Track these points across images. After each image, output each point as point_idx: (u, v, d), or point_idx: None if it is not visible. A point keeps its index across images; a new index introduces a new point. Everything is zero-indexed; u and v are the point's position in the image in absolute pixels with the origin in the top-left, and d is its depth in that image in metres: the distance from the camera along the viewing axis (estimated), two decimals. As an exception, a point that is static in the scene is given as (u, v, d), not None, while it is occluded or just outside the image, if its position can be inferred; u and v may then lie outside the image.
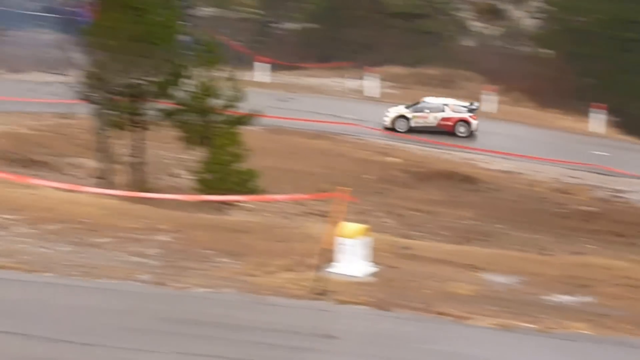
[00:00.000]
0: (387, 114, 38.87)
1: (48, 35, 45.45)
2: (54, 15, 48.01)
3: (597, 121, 44.94)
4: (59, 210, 18.89)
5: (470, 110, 39.67)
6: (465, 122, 39.21)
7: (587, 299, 15.77)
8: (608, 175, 36.82)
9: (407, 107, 39.64)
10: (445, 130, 38.84)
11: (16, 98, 34.06)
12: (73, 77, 25.84)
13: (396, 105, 40.28)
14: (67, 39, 26.55)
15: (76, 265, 15.14)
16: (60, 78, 24.96)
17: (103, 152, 26.38)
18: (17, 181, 21.38)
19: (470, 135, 39.16)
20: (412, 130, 38.65)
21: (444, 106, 39.46)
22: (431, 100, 40.09)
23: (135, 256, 15.88)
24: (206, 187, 24.78)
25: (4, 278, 14.35)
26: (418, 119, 38.73)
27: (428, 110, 39.11)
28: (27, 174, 24.13)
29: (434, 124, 38.93)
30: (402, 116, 38.67)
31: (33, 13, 49.88)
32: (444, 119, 39.03)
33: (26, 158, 27.96)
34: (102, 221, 18.16)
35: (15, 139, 29.36)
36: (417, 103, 39.91)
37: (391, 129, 38.97)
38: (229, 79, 26.52)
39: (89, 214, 18.61)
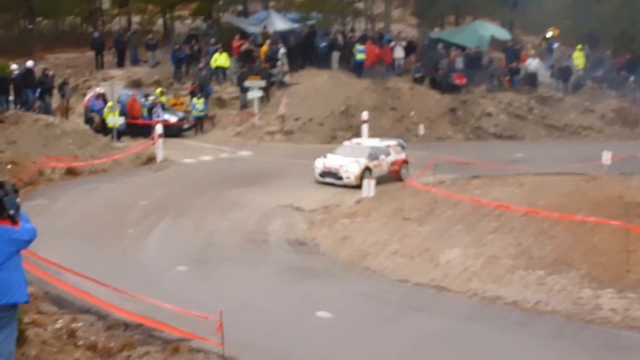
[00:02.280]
0: (347, 168, 28.87)
1: None
2: None
3: None
4: None
5: (403, 148, 31.52)
6: (406, 162, 30.83)
7: None
8: None
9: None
10: (392, 177, 29.96)
11: None
12: None
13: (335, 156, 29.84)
14: None
15: None
16: None
17: None
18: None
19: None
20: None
21: (388, 148, 30.78)
22: (371, 143, 31.25)
23: None
24: None
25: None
26: (376, 168, 29.64)
27: (383, 156, 30.22)
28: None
29: (386, 171, 30.04)
30: (367, 168, 29.13)
31: None
32: (392, 163, 30.45)
33: None
34: None
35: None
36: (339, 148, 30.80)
37: (357, 185, 28.17)
38: None
39: None
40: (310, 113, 39.49)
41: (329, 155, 29.53)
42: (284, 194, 26.40)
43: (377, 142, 31.13)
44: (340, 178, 28.73)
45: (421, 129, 40.30)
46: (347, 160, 29.15)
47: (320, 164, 29.33)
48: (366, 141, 31.80)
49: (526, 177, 29.94)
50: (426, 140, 39.79)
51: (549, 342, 14.60)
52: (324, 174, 29.01)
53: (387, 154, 30.42)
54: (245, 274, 18.83)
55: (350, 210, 24.86)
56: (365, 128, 38.23)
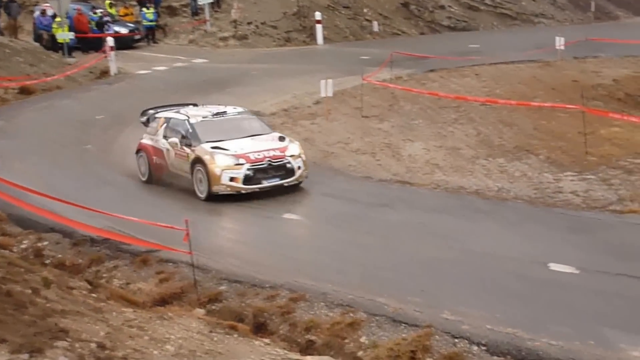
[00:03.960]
0: (292, 152, 17.75)
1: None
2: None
3: None
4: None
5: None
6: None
7: None
8: None
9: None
10: None
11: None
12: None
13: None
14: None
15: None
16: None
17: None
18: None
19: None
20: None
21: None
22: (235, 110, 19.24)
23: None
24: None
25: (635, 223, 14.43)
26: None
27: None
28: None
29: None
30: None
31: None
32: None
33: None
34: None
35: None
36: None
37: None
38: None
39: None
40: (262, 16, 39.03)
41: (222, 144, 17.51)
42: (243, 99, 26.20)
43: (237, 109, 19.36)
44: (291, 172, 17.54)
45: (375, 26, 40.03)
46: (267, 141, 17.93)
47: (231, 161, 17.16)
48: (220, 108, 19.22)
49: (482, 67, 29.98)
50: (381, 37, 39.58)
51: (515, 227, 14.80)
52: (258, 172, 17.19)
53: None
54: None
55: (309, 111, 24.79)
56: (319, 29, 37.90)
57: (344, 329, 11.17)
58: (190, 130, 17.94)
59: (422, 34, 41.33)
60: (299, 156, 17.65)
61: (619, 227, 14.48)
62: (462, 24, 42.23)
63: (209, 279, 13.03)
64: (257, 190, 17.10)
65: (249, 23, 38.62)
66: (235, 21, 38.34)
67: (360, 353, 10.70)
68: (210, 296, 12.50)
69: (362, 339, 10.93)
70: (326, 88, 23.77)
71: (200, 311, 11.93)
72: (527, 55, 31.11)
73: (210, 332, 10.56)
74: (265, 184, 17.25)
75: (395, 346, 10.55)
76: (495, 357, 10.15)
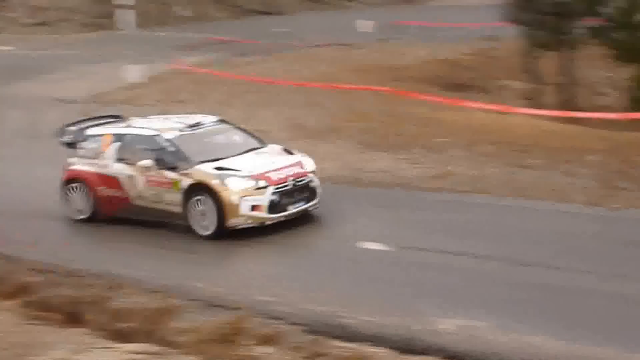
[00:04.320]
0: (308, 166, 14.43)
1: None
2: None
3: None
4: (490, 132, 19.22)
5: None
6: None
7: None
8: None
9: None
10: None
11: (442, 24, 34.86)
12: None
13: None
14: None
15: (509, 186, 15.37)
16: (487, 1, 25.06)
17: (531, 73, 26.30)
18: (448, 104, 22.09)
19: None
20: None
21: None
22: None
23: (568, 176, 15.73)
24: (638, 104, 23.84)
25: (441, 200, 15.01)
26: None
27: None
28: (457, 97, 24.74)
29: None
30: None
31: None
32: None
33: (455, 82, 28.66)
34: (533, 142, 18.20)
35: (444, 64, 30.17)
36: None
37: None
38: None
39: (520, 135, 18.73)
40: (67, 2, 38.08)
41: (224, 163, 13.83)
42: (52, 86, 25.56)
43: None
44: (314, 193, 14.28)
45: (185, 11, 39.77)
46: (275, 156, 14.50)
47: (249, 184, 13.51)
48: (192, 118, 15.43)
49: (291, 50, 30.30)
50: (190, 22, 39.35)
51: (326, 206, 14.88)
52: (283, 196, 13.72)
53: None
54: (21, 170, 18.21)
55: (119, 97, 24.38)
56: (129, 14, 37.30)
57: (160, 315, 11.12)
58: (172, 149, 13.99)
59: (230, 18, 41.34)
60: (314, 172, 14.44)
61: (426, 203, 14.99)
62: (271, 7, 42.52)
63: (20, 269, 12.68)
64: (283, 219, 13.76)
65: (54, 9, 37.58)
66: (38, 7, 37.19)
67: (176, 338, 10.68)
68: (21, 287, 12.16)
69: (178, 324, 10.91)
70: (136, 73, 23.49)
71: (11, 303, 11.61)
72: (334, 38, 31.68)
73: (23, 323, 10.31)
74: (292, 210, 13.89)
75: (212, 330, 10.60)
76: (311, 336, 10.32)
